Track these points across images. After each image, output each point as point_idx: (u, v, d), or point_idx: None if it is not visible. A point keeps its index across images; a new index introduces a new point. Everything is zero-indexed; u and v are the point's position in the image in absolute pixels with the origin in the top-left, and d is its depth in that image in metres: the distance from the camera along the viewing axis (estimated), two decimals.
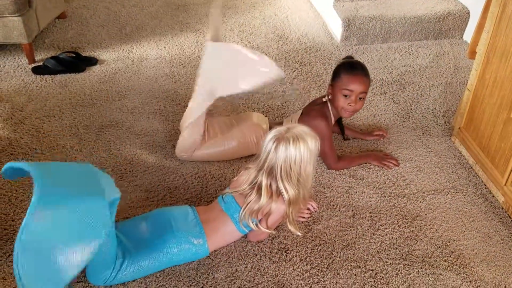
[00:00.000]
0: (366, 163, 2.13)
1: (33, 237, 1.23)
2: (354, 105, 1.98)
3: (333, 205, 1.92)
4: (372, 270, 1.67)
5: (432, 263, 1.71)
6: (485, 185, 2.06)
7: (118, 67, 2.73)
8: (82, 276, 1.58)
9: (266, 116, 2.24)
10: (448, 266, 1.71)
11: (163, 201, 1.90)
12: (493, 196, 2.01)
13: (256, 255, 1.70)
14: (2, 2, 2.46)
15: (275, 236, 1.76)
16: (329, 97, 2.04)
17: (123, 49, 2.91)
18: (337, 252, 1.73)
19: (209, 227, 1.64)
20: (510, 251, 1.78)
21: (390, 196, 1.98)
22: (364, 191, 2.00)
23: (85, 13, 3.28)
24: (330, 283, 1.62)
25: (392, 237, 1.80)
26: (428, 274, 1.67)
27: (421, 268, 1.69)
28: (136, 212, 1.82)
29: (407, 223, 1.86)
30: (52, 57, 2.68)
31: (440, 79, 2.77)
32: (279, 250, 1.72)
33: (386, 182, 2.05)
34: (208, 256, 1.66)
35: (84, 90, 2.53)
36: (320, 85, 2.67)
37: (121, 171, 2.02)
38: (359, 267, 1.68)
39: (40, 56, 2.78)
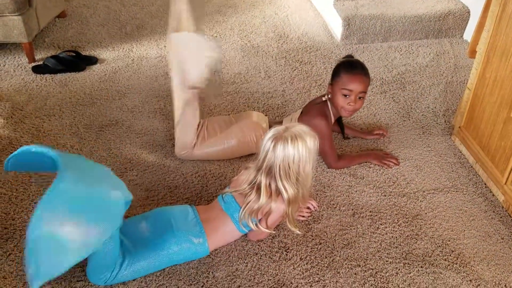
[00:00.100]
0: (366, 162, 2.13)
1: (52, 207, 1.25)
2: (354, 104, 1.98)
3: (333, 204, 1.92)
4: (372, 269, 1.67)
5: (432, 262, 1.71)
6: (485, 184, 2.06)
7: (118, 66, 2.73)
8: (82, 275, 1.58)
9: (266, 115, 2.24)
10: (448, 265, 1.71)
11: (163, 200, 1.90)
12: (493, 195, 2.01)
13: (256, 254, 1.70)
14: (2, 1, 2.45)
15: (275, 235, 1.76)
16: (329, 96, 2.04)
17: (123, 48, 2.91)
18: (337, 251, 1.73)
19: (209, 226, 1.64)
20: (510, 250, 1.78)
21: (390, 195, 1.98)
22: (364, 190, 2.00)
23: (85, 12, 3.28)
24: (330, 282, 1.62)
25: (392, 236, 1.80)
26: (428, 273, 1.67)
27: (421, 267, 1.69)
28: (136, 211, 1.82)
29: (407, 222, 1.86)
30: (52, 56, 2.68)
31: (440, 78, 2.77)
32: (279, 249, 1.72)
33: (386, 181, 2.05)
34: (208, 255, 1.67)
35: (84, 89, 2.53)
36: (320, 84, 2.67)
37: (121, 170, 2.02)
38: (359, 266, 1.68)
39: (40, 55, 2.78)
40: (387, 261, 1.70)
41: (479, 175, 2.10)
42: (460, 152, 2.23)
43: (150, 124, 2.30)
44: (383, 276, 1.65)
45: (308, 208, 1.87)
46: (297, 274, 1.64)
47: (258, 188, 1.60)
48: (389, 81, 2.73)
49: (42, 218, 1.24)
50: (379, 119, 2.43)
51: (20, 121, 2.27)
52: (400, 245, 1.77)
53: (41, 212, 1.25)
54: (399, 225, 1.85)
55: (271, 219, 1.64)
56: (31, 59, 2.70)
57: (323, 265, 1.68)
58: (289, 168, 1.54)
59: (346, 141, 2.27)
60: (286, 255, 1.70)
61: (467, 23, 3.15)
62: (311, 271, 1.65)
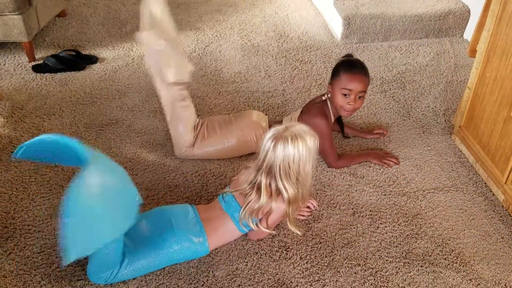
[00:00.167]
0: (366, 162, 2.13)
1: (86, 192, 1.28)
2: (354, 104, 1.97)
3: (333, 203, 1.92)
4: (372, 268, 1.67)
5: (432, 261, 1.71)
6: (485, 183, 2.06)
7: (118, 65, 2.73)
8: (83, 274, 1.58)
9: (266, 115, 2.24)
10: (448, 264, 1.71)
11: (163, 199, 1.90)
12: (493, 194, 2.01)
13: (256, 253, 1.70)
14: (2, 0, 2.45)
15: (275, 234, 1.76)
16: (329, 95, 2.03)
17: (123, 47, 2.91)
18: (337, 250, 1.73)
19: (210, 226, 1.64)
20: (510, 249, 1.78)
21: (390, 194, 1.98)
22: (364, 189, 2.00)
23: (85, 11, 3.28)
24: (330, 281, 1.62)
25: (392, 235, 1.80)
26: (428, 272, 1.67)
27: (421, 266, 1.69)
28: None
29: (407, 222, 1.86)
30: (52, 55, 2.68)
31: (441, 78, 2.77)
32: (279, 248, 1.72)
33: (386, 181, 2.05)
34: (208, 255, 1.67)
35: (84, 88, 2.53)
36: (320, 83, 2.67)
37: None
38: (359, 265, 1.68)
39: (40, 54, 2.78)
40: (387, 260, 1.70)
41: (479, 175, 2.10)
42: (460, 151, 2.23)
43: (150, 123, 2.30)
44: (383, 275, 1.66)
45: (308, 207, 1.87)
46: (297, 273, 1.64)
47: (259, 188, 1.60)
48: (389, 80, 2.73)
49: (83, 186, 1.27)
50: (379, 118, 2.43)
51: (20, 120, 2.27)
52: (400, 244, 1.77)
53: (83, 181, 1.27)
54: (399, 225, 1.85)
55: (271, 219, 1.64)
56: (31, 58, 2.70)
57: (323, 264, 1.68)
58: (289, 168, 1.54)
59: (346, 141, 2.27)
60: (286, 254, 1.70)
61: (467, 22, 3.15)
62: (311, 270, 1.66)
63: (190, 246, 1.59)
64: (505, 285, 1.65)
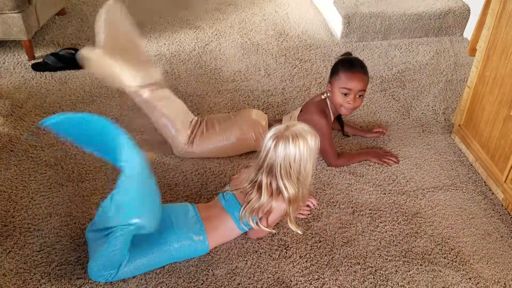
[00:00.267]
0: (366, 160, 2.14)
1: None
2: (353, 102, 1.97)
3: (333, 202, 1.92)
4: (371, 267, 1.68)
5: (431, 260, 1.71)
6: (484, 182, 2.06)
7: None
8: (82, 273, 1.58)
9: (265, 113, 2.24)
10: (448, 263, 1.71)
11: (163, 198, 1.90)
12: (492, 193, 2.01)
13: (256, 252, 1.70)
14: None
15: (275, 233, 1.76)
16: (328, 94, 2.03)
17: None
18: (336, 249, 1.73)
19: (210, 224, 1.64)
20: (510, 248, 1.78)
21: (390, 193, 1.98)
22: (364, 188, 2.00)
23: (84, 9, 3.28)
24: (329, 279, 1.62)
25: (391, 234, 1.80)
26: (428, 271, 1.68)
27: (421, 265, 1.69)
28: None
29: (406, 220, 1.86)
30: (52, 54, 2.68)
31: (440, 76, 2.77)
32: (279, 247, 1.72)
33: (386, 179, 2.05)
34: (208, 253, 1.67)
35: (84, 87, 2.53)
36: (320, 82, 2.67)
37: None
38: (359, 264, 1.68)
39: (40, 53, 2.78)
40: (386, 259, 1.71)
41: (478, 173, 2.10)
42: (459, 150, 2.23)
43: (150, 122, 2.29)
44: (382, 274, 1.66)
45: (308, 206, 1.87)
46: (296, 272, 1.64)
47: (259, 187, 1.60)
48: (389, 79, 2.73)
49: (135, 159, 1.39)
50: (379, 117, 2.43)
51: (20, 118, 2.27)
52: (399, 243, 1.77)
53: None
54: (398, 223, 1.85)
55: (271, 218, 1.64)
56: (31, 56, 2.70)
57: (322, 263, 1.68)
58: (290, 167, 1.54)
59: (345, 139, 2.27)
60: (286, 253, 1.70)
61: (467, 21, 3.15)
62: (310, 269, 1.66)
63: (190, 244, 1.59)
64: (504, 283, 1.66)
